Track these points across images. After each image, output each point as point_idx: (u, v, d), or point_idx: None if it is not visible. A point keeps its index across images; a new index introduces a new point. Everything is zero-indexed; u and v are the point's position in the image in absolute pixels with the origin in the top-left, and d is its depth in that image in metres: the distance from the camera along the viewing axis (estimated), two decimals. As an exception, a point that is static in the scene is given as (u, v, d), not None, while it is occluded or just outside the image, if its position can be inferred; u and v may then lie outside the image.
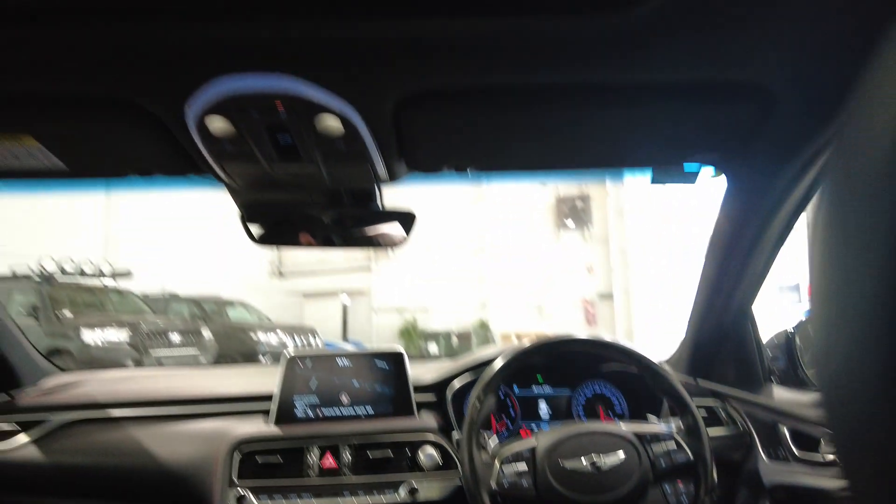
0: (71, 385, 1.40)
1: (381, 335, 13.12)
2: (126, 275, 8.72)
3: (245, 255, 12.11)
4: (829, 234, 0.27)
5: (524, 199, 13.15)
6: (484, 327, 12.75)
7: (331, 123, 0.70)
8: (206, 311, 9.81)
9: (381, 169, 0.85)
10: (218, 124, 0.70)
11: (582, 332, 1.38)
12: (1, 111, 0.72)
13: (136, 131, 0.76)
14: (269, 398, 1.30)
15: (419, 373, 1.39)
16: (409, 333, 12.97)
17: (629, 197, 12.47)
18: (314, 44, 0.61)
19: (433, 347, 12.68)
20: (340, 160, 0.79)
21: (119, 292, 8.61)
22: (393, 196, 0.99)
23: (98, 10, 0.58)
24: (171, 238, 12.78)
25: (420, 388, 1.36)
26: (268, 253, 13.80)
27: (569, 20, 0.58)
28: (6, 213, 10.28)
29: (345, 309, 11.62)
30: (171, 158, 0.83)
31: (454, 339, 12.57)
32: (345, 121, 0.70)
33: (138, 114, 0.71)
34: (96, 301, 8.12)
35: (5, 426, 1.28)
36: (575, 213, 12.95)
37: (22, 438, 1.27)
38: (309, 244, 1.06)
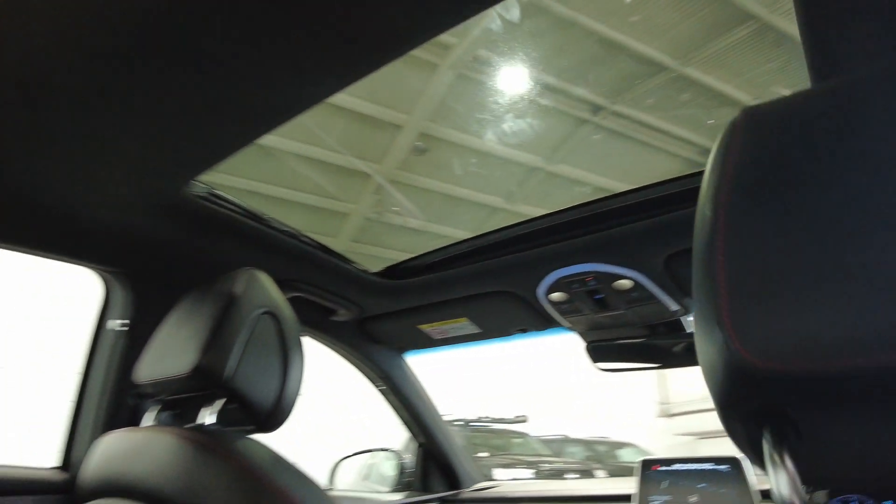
0: (493, 487, 1.95)
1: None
2: (523, 420, 9.93)
3: (630, 396, 12.31)
4: None
5: None
6: None
7: (624, 283, 1.12)
8: (598, 452, 10.19)
9: (673, 304, 1.20)
10: (556, 295, 1.19)
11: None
12: (454, 308, 1.36)
13: (514, 307, 1.30)
14: (627, 498, 1.61)
15: (764, 479, 1.51)
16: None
17: None
18: (604, 241, 1.06)
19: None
20: (637, 304, 1.18)
21: (520, 435, 9.77)
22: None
23: (493, 250, 1.17)
24: (559, 386, 13.93)
25: (766, 494, 1.48)
26: (654, 394, 13.73)
27: None
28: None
29: (744, 451, 10.54)
30: (536, 320, 1.35)
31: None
32: (632, 279, 1.11)
33: (513, 297, 1.27)
34: (502, 444, 9.39)
35: None
36: None
37: None
38: (638, 367, 1.42)
